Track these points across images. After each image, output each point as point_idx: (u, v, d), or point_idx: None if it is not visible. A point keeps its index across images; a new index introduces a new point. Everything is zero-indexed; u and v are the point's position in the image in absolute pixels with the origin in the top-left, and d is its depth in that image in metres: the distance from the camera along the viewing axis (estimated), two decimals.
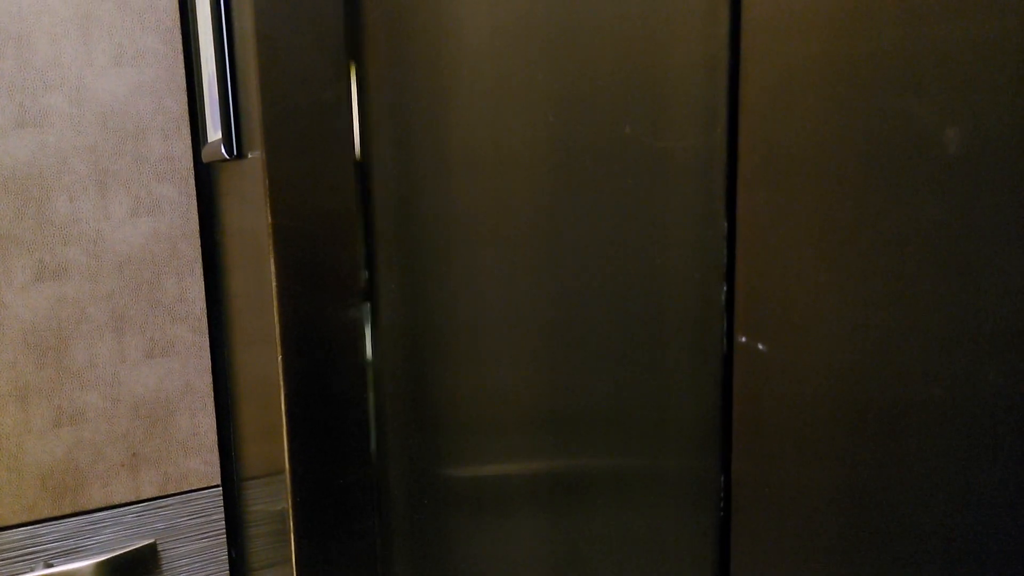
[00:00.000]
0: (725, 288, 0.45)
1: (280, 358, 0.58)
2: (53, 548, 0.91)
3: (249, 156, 0.62)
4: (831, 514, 0.41)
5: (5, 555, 0.89)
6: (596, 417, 0.55)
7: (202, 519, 0.99)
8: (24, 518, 0.90)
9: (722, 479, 0.47)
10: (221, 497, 1.00)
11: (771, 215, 0.41)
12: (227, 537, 1.00)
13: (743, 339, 0.44)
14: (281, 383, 0.59)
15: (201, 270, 0.95)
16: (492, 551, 0.64)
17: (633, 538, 0.55)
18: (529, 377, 0.59)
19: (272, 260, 0.57)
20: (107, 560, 0.91)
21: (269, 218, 0.57)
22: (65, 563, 0.91)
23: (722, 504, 0.47)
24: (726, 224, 0.44)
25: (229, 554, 1.01)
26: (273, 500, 0.79)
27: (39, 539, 0.91)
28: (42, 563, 0.90)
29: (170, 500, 0.97)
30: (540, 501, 0.62)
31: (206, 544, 0.99)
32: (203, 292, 0.96)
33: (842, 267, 0.38)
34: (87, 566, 0.91)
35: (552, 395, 0.57)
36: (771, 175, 0.41)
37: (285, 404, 0.59)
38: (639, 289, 0.49)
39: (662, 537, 0.53)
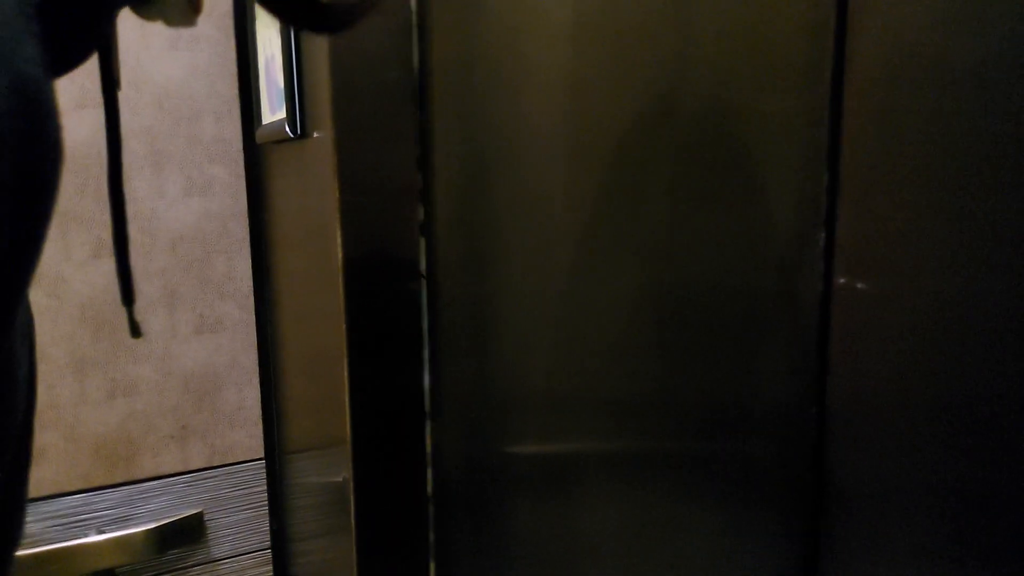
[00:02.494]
0: (824, 235, 0.46)
1: (345, 330, 0.61)
2: (106, 515, 0.95)
3: (315, 135, 0.65)
4: (929, 504, 0.40)
5: (61, 521, 0.92)
6: (686, 391, 0.55)
7: (245, 491, 1.02)
8: (79, 485, 0.93)
9: (813, 469, 0.48)
10: (264, 470, 1.03)
11: (876, 165, 0.41)
12: (269, 509, 1.04)
13: (842, 281, 0.45)
14: (345, 355, 0.61)
15: (249, 249, 0.98)
16: (553, 528, 0.66)
17: (718, 522, 0.55)
18: (611, 348, 0.60)
19: (339, 235, 0.59)
20: (157, 528, 0.95)
21: (337, 194, 0.59)
22: (117, 530, 0.94)
23: (813, 490, 0.48)
24: (827, 176, 0.45)
25: (271, 525, 1.04)
26: (323, 472, 0.81)
27: (93, 506, 0.94)
28: (95, 529, 0.94)
29: (216, 472, 1.00)
30: (603, 482, 0.63)
31: (249, 515, 1.03)
32: (250, 270, 0.99)
33: (945, 211, 0.39)
34: (138, 533, 0.94)
35: (646, 356, 0.58)
36: (877, 132, 0.42)
37: (348, 376, 0.61)
38: (734, 250, 0.50)
39: (749, 525, 0.53)
